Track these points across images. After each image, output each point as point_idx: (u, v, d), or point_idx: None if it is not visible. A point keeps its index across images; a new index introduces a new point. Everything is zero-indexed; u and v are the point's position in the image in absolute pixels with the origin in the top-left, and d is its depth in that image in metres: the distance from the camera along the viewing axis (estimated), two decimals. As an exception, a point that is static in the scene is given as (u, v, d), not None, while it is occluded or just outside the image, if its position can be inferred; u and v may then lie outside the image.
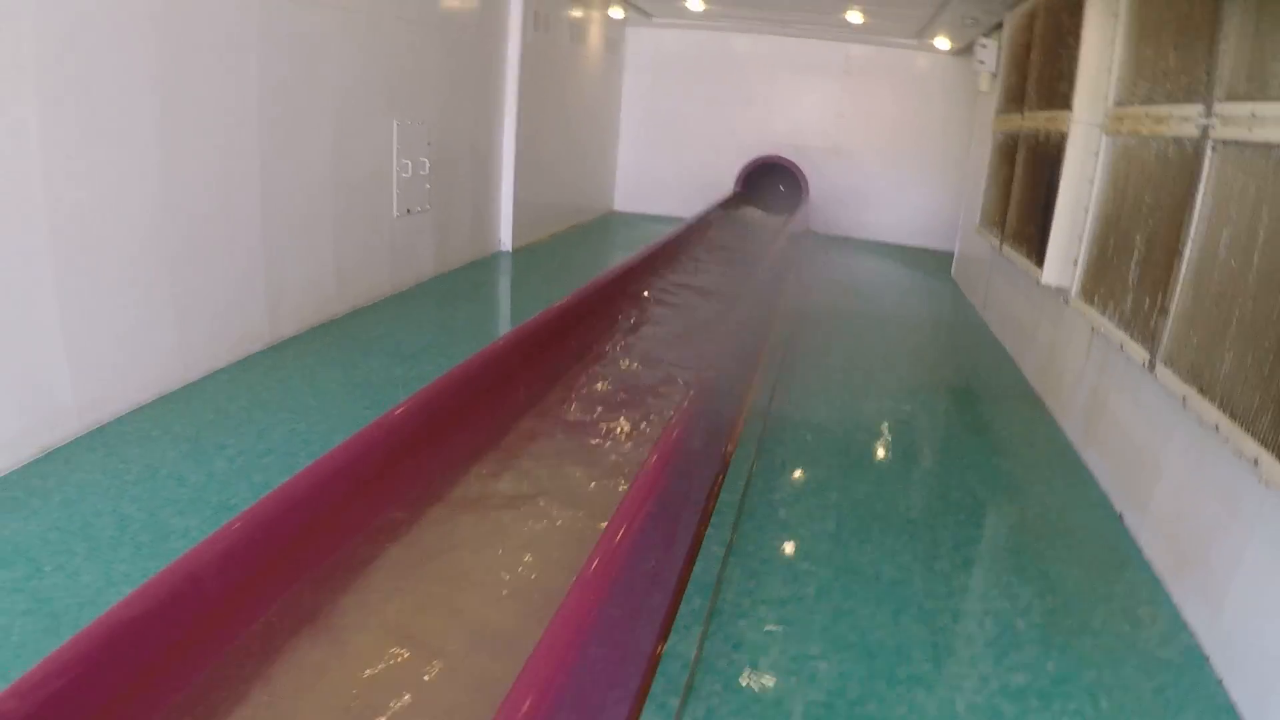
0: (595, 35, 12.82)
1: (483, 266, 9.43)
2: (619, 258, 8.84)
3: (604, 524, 3.18)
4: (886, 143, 14.24)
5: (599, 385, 5.58)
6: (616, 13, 13.31)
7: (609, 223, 13.99)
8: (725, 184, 14.49)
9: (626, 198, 15.09)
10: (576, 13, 11.79)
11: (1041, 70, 7.31)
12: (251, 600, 2.91)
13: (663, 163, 14.89)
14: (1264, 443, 3.11)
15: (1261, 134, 3.42)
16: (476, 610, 3.24)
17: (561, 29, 11.25)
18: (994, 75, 9.93)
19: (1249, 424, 3.26)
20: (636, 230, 13.05)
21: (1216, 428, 3.48)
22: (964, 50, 12.65)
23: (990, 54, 10.18)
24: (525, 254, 10.35)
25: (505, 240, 10.25)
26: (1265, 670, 3.12)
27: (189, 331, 5.30)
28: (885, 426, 6.01)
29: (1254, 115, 3.48)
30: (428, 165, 7.95)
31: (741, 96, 14.54)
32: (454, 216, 8.84)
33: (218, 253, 5.51)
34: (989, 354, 8.07)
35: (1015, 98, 8.27)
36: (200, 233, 5.32)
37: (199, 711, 2.55)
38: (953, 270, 11.87)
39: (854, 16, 11.63)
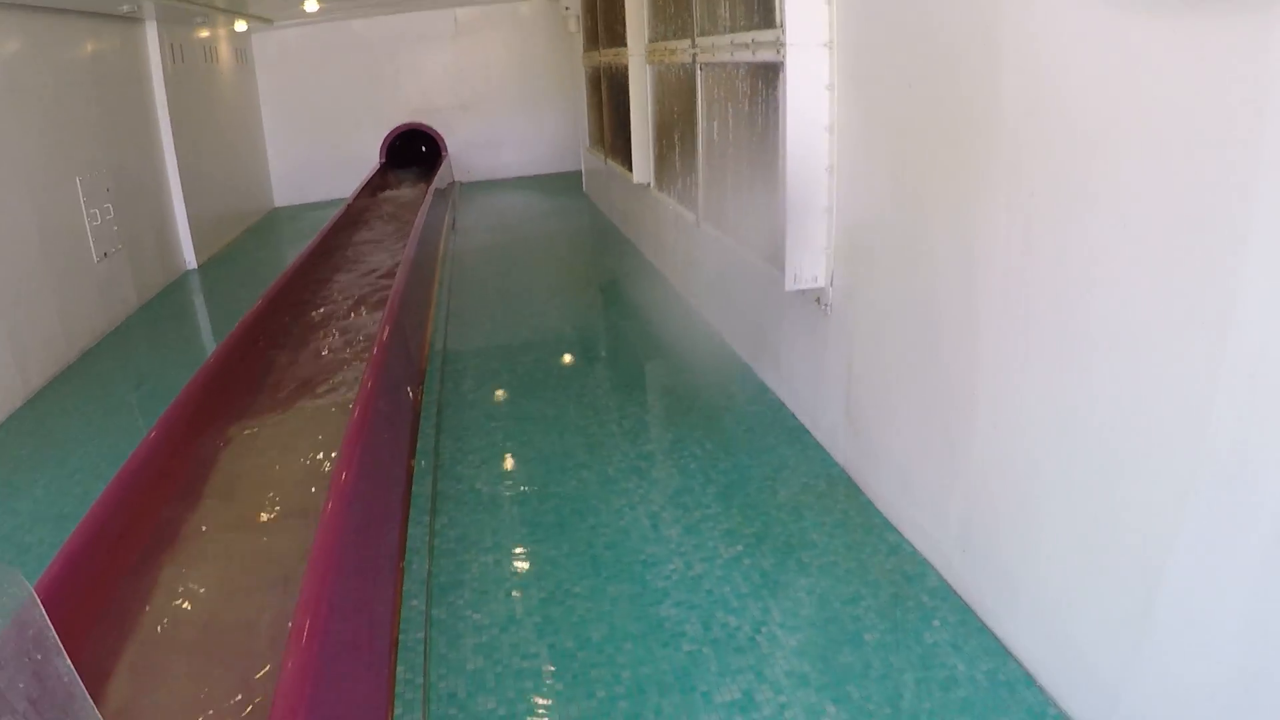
0: (225, 51, 13.45)
1: (177, 289, 10.11)
2: (290, 250, 9.81)
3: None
4: (506, 89, 15.76)
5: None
6: (241, 26, 13.89)
7: (274, 219, 14.69)
8: (371, 158, 15.57)
9: (285, 192, 15.66)
10: (204, 33, 12.41)
11: (605, 15, 8.98)
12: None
13: (310, 152, 15.57)
14: (756, 252, 4.86)
15: (714, 57, 5.17)
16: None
17: (196, 54, 11.90)
18: (578, 18, 11.54)
19: (747, 243, 5.02)
20: (301, 221, 13.89)
21: (735, 250, 5.22)
22: (556, -3, 14.31)
23: (574, 0, 11.77)
24: (209, 267, 11.05)
25: (189, 259, 10.91)
26: (810, 399, 4.87)
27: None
28: (539, 321, 7.63)
29: (712, 45, 5.21)
30: (112, 210, 8.65)
31: (370, 76, 15.49)
32: (143, 250, 9.50)
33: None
34: (619, 246, 9.88)
35: (592, 38, 9.94)
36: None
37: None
38: (584, 186, 13.64)
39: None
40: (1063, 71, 2.62)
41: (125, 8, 9.14)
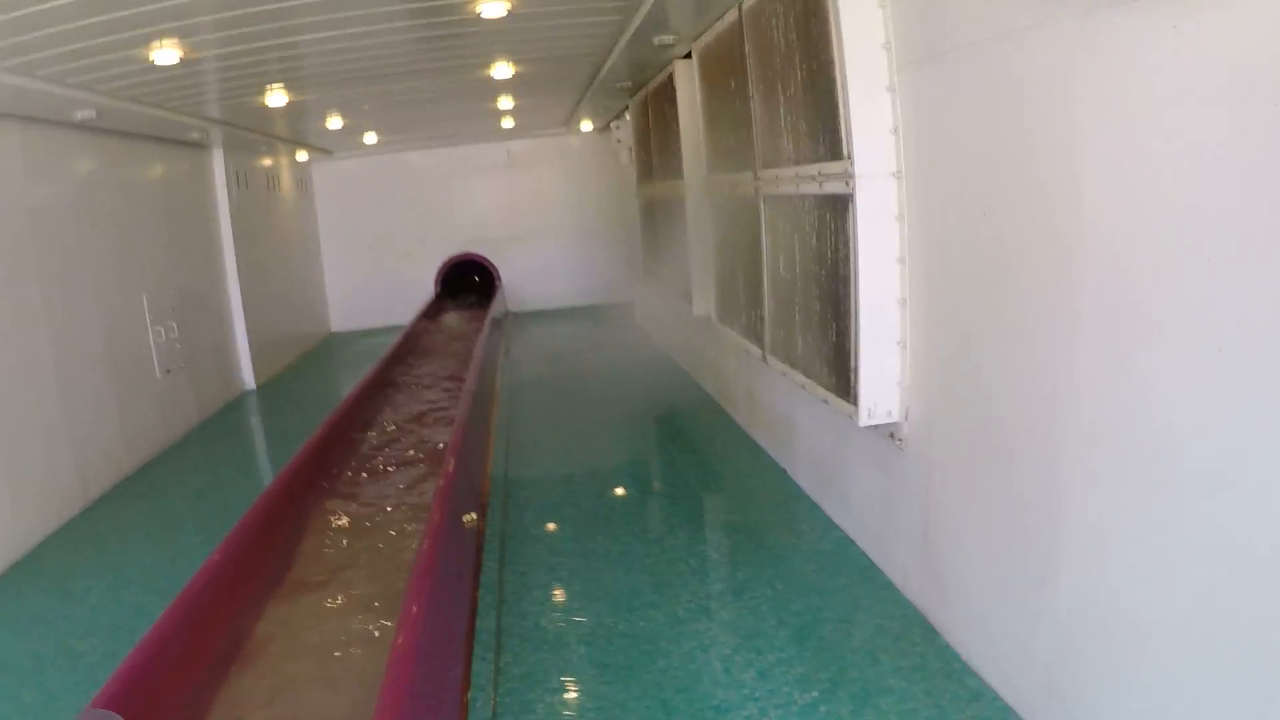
0: (287, 179, 14.04)
1: (235, 408, 10.31)
2: (347, 376, 9.98)
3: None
4: (559, 219, 16.10)
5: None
6: (302, 156, 14.50)
7: (331, 344, 15.01)
8: (426, 286, 15.90)
9: (341, 318, 16.03)
10: (268, 162, 12.96)
11: (659, 147, 9.13)
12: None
13: (366, 280, 15.96)
14: (826, 387, 4.79)
15: (779, 189, 5.18)
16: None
17: (259, 181, 12.47)
18: (630, 150, 11.73)
19: (816, 377, 4.94)
20: (357, 347, 14.16)
21: (803, 386, 5.15)
22: (606, 128, 14.66)
23: (625, 133, 11.98)
24: (267, 389, 11.28)
25: (248, 380, 11.18)
26: (882, 537, 4.74)
27: (20, 506, 6.00)
28: (599, 453, 7.56)
29: (776, 177, 5.23)
30: (176, 328, 8.92)
31: (425, 206, 15.96)
32: (204, 368, 9.76)
33: (29, 433, 6.29)
34: (676, 378, 9.82)
35: (646, 170, 10.12)
36: (14, 417, 6.11)
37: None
38: (637, 318, 13.65)
39: (508, 123, 13.34)
40: (1149, 189, 2.56)
41: (194, 135, 9.56)
